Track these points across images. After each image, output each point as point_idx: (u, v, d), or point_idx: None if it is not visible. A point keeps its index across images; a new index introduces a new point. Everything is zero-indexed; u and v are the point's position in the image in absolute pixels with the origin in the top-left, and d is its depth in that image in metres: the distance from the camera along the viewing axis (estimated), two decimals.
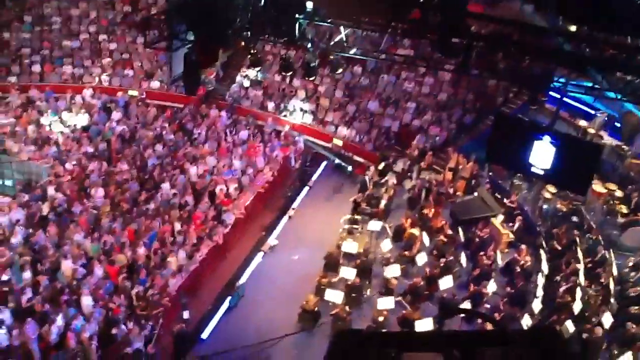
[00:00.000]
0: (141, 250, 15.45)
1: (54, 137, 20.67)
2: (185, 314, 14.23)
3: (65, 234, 15.84)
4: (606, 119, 19.74)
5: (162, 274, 14.92)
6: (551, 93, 19.48)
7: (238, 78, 24.97)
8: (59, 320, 12.80)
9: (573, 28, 10.86)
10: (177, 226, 16.81)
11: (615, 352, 12.57)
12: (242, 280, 16.45)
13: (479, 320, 12.68)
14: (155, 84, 24.52)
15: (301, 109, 23.54)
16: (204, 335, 14.67)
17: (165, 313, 14.14)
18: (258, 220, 19.20)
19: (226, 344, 13.29)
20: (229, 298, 15.63)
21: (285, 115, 23.47)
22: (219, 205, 18.02)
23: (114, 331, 13.11)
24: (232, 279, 16.56)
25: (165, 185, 18.39)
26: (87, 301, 13.59)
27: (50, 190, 17.48)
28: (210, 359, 12.82)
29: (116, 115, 22.39)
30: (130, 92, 23.76)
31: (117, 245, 15.62)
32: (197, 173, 19.44)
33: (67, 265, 14.56)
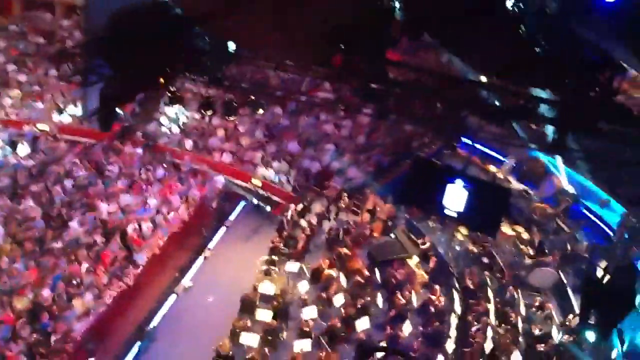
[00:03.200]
0: (45, 292, 14.51)
1: None
2: None
3: None
4: (514, 164, 20.88)
5: (66, 318, 14.05)
6: (464, 139, 20.43)
7: (156, 115, 24.44)
8: None
9: (484, 78, 11.46)
10: (85, 266, 15.97)
11: None
12: (154, 323, 15.77)
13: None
14: (67, 119, 23.53)
15: (220, 148, 23.30)
16: None
17: None
18: (172, 260, 18.56)
19: None
20: (138, 343, 14.90)
21: (203, 154, 23.11)
22: (130, 245, 17.32)
23: None
24: (142, 322, 15.82)
25: (74, 224, 17.52)
26: None
27: None
28: None
29: (23, 149, 21.22)
30: (40, 126, 22.65)
31: (19, 287, 14.60)
32: (109, 211, 18.66)
33: None
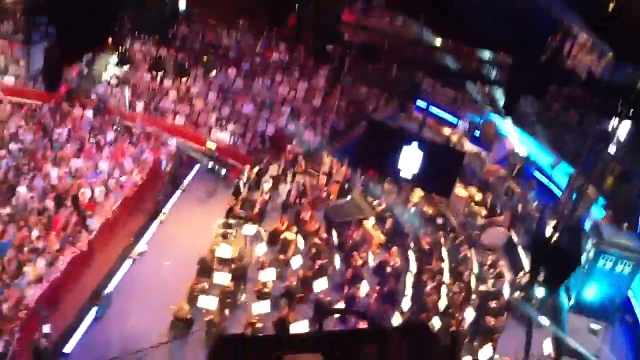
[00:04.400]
0: None
1: None
2: (46, 328, 13.15)
3: None
4: (467, 127, 21.19)
5: (18, 285, 13.73)
6: (419, 102, 20.57)
7: (104, 75, 23.70)
8: None
9: (438, 41, 11.52)
10: (36, 233, 15.56)
11: (476, 344, 13.49)
12: (109, 289, 15.55)
13: (354, 320, 13.00)
14: (10, 80, 22.55)
15: (172, 111, 22.83)
16: (67, 349, 13.65)
17: (22, 327, 12.99)
18: (126, 225, 18.26)
19: (92, 358, 12.49)
20: (94, 309, 14.69)
21: (155, 116, 22.60)
22: (82, 210, 16.93)
23: None
24: (97, 288, 15.56)
25: (22, 189, 16.98)
26: None
27: None
28: None
29: None
30: None
31: None
32: (58, 175, 18.14)
33: None
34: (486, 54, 10.74)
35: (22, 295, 13.57)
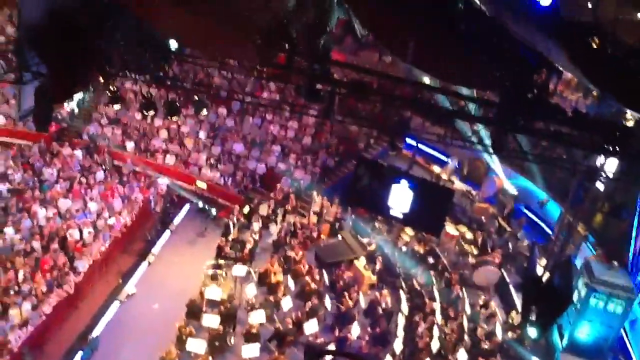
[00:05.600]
0: None
1: None
2: None
3: None
4: (457, 165, 21.31)
5: (2, 328, 13.42)
6: (408, 140, 20.70)
7: (95, 116, 23.77)
8: None
9: (427, 79, 11.62)
10: (22, 275, 15.31)
11: None
12: (96, 332, 15.27)
13: None
14: (0, 119, 22.55)
15: (163, 150, 22.83)
16: None
17: None
18: (114, 266, 18.06)
19: None
20: (80, 353, 14.39)
21: (145, 156, 22.59)
22: (70, 252, 16.72)
23: None
24: (84, 331, 15.33)
25: (9, 229, 16.78)
26: None
27: None
28: None
29: None
30: None
31: None
32: (47, 216, 17.97)
33: None
34: (473, 92, 10.85)
35: (5, 339, 13.25)
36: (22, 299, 14.54)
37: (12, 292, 14.70)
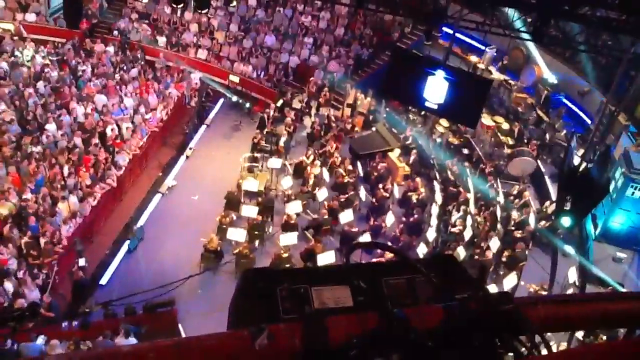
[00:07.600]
0: (28, 197, 14.48)
1: None
2: (82, 261, 13.67)
3: None
4: (495, 54, 20.60)
5: (53, 221, 14.13)
6: (445, 29, 19.96)
7: (125, 11, 23.42)
8: None
9: None
10: (66, 170, 15.87)
11: (502, 273, 13.63)
12: (141, 223, 15.97)
13: (379, 251, 13.17)
14: (31, 17, 22.42)
15: (194, 44, 22.58)
16: (103, 281, 14.21)
17: (59, 261, 13.49)
18: (154, 160, 18.54)
19: (127, 289, 12.95)
20: (127, 242, 15.16)
21: (177, 50, 22.40)
22: (110, 147, 17.15)
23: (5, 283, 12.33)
24: (129, 222, 16.02)
25: (51, 126, 17.18)
26: None
27: None
28: (111, 305, 12.47)
29: None
30: (3, 26, 21.58)
31: (1, 193, 14.52)
32: (85, 113, 18.28)
33: None
34: None
35: (57, 231, 13.97)
36: (68, 193, 15.14)
37: (58, 187, 15.29)
